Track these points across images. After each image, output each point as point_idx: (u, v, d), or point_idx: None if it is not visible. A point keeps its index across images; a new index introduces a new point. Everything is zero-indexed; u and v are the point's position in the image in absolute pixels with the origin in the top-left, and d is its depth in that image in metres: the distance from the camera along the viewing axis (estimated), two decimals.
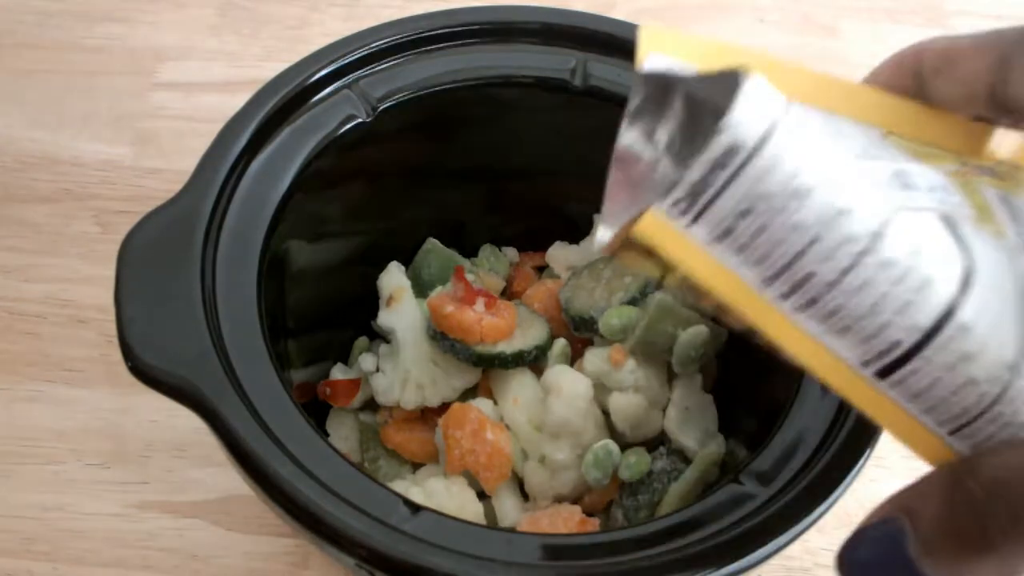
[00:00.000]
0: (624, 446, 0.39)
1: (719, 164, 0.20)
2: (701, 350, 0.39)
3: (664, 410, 0.39)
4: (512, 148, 0.43)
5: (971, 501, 0.19)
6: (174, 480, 0.43)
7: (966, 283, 0.20)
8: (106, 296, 0.32)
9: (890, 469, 0.44)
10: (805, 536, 0.29)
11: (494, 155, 0.43)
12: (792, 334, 0.21)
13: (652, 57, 0.22)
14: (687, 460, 0.38)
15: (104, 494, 0.43)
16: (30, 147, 0.54)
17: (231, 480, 0.42)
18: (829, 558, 0.42)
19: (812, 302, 0.21)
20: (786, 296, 0.21)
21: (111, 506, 0.42)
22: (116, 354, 0.30)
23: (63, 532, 0.41)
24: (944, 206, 0.21)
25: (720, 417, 0.40)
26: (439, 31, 0.40)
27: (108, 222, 0.51)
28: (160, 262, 0.32)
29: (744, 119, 0.20)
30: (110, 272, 0.32)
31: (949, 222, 0.21)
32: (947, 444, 0.21)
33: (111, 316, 0.31)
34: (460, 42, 0.40)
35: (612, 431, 0.39)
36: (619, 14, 0.42)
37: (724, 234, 0.21)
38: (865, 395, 0.21)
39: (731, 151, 0.20)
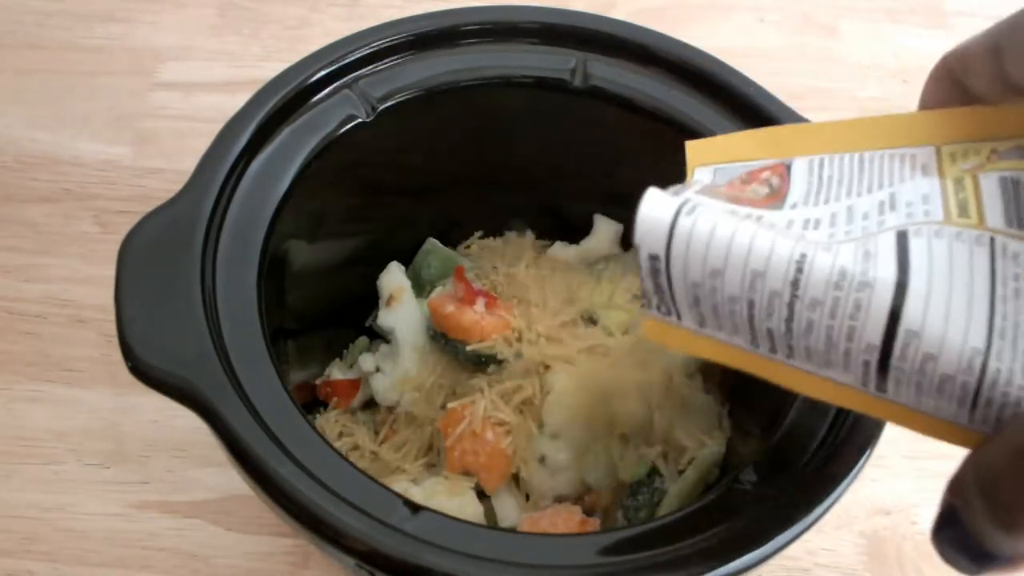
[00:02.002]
0: (624, 446, 0.39)
1: (652, 272, 0.24)
2: None
3: (664, 410, 0.39)
4: (512, 148, 0.43)
5: (972, 493, 0.21)
6: (174, 480, 0.43)
7: (901, 290, 0.21)
8: (106, 296, 0.32)
9: (890, 469, 0.44)
10: (805, 536, 0.29)
11: (494, 155, 0.43)
12: (800, 378, 0.24)
13: (698, 170, 0.26)
14: (687, 460, 0.38)
15: (104, 494, 0.43)
16: (30, 147, 0.54)
17: (231, 480, 0.42)
18: (829, 558, 0.42)
19: (791, 350, 0.23)
20: (773, 351, 0.24)
21: (111, 506, 0.42)
22: (116, 354, 0.30)
23: (63, 532, 0.41)
24: (908, 220, 0.23)
25: (721, 417, 0.40)
26: (439, 31, 0.40)
27: (108, 222, 0.51)
28: (160, 262, 0.32)
29: (644, 235, 0.24)
30: (110, 272, 0.32)
31: (900, 236, 0.22)
32: (972, 429, 0.22)
33: (111, 316, 0.31)
34: (460, 42, 0.40)
35: (612, 431, 0.39)
36: (619, 14, 0.42)
37: (700, 319, 0.25)
38: (881, 408, 0.23)
39: (652, 260, 0.24)
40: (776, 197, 0.25)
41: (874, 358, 0.22)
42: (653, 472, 0.38)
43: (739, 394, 0.40)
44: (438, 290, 0.41)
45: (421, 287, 0.43)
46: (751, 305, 0.23)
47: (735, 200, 0.25)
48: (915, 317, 0.21)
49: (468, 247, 0.46)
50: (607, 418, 0.39)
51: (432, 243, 0.44)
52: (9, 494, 0.42)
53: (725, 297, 0.23)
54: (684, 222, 0.23)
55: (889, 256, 0.22)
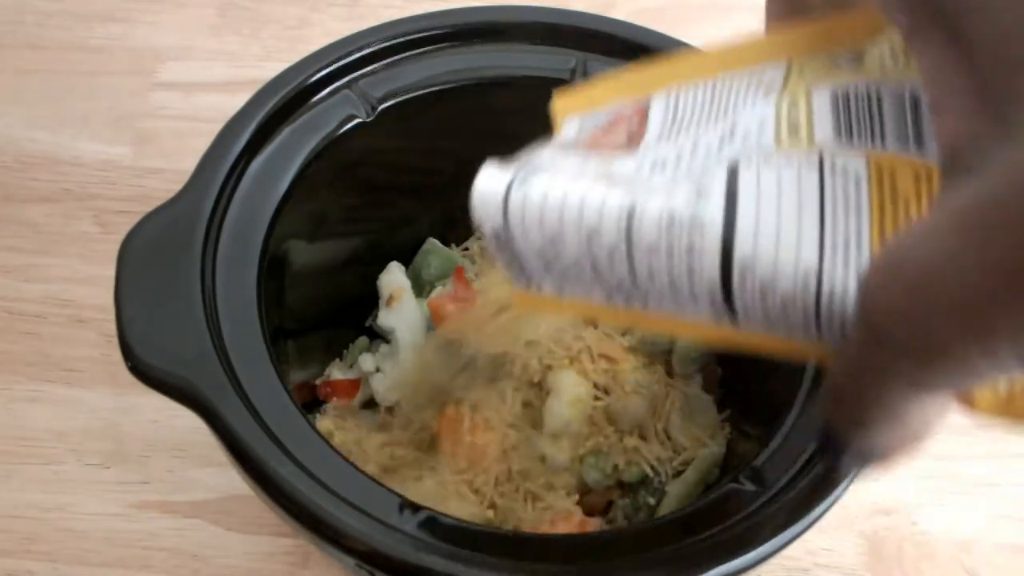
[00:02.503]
0: (624, 446, 0.39)
1: (499, 247, 0.25)
2: (701, 350, 0.39)
3: (664, 410, 0.39)
4: (512, 148, 0.43)
5: (829, 403, 0.22)
6: (174, 480, 0.43)
7: (730, 225, 0.21)
8: (106, 296, 0.32)
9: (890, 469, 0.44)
10: (805, 536, 0.29)
11: (494, 155, 0.43)
12: (663, 323, 0.24)
13: (565, 123, 0.27)
14: (687, 460, 0.38)
15: (104, 494, 0.43)
16: (30, 147, 0.54)
17: (231, 480, 0.42)
18: (829, 558, 0.42)
19: (644, 298, 0.24)
20: (629, 301, 0.24)
21: (111, 506, 0.42)
22: (116, 354, 0.30)
23: (63, 532, 0.41)
24: (742, 150, 0.23)
25: (721, 417, 0.40)
26: (439, 31, 0.40)
27: (108, 222, 0.51)
28: (160, 262, 0.32)
29: (481, 211, 0.24)
30: (110, 272, 0.32)
31: (731, 170, 0.23)
32: (828, 347, 0.22)
33: (111, 316, 0.31)
34: (460, 42, 0.40)
35: (612, 431, 0.39)
36: (619, 14, 0.42)
37: (557, 285, 0.25)
38: (741, 339, 0.23)
39: (495, 234, 0.24)
40: (633, 142, 0.25)
41: (717, 295, 0.22)
42: (653, 472, 0.38)
43: (737, 396, 0.40)
44: (438, 290, 0.41)
45: (421, 287, 0.43)
46: (595, 262, 0.23)
47: (594, 150, 0.25)
48: (746, 250, 0.21)
49: (467, 248, 0.46)
50: (607, 418, 0.39)
51: (432, 243, 0.44)
52: (9, 494, 0.42)
53: (570, 261, 0.24)
54: (516, 194, 0.24)
55: (719, 192, 0.22)
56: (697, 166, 0.23)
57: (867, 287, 0.19)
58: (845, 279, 0.21)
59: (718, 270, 0.22)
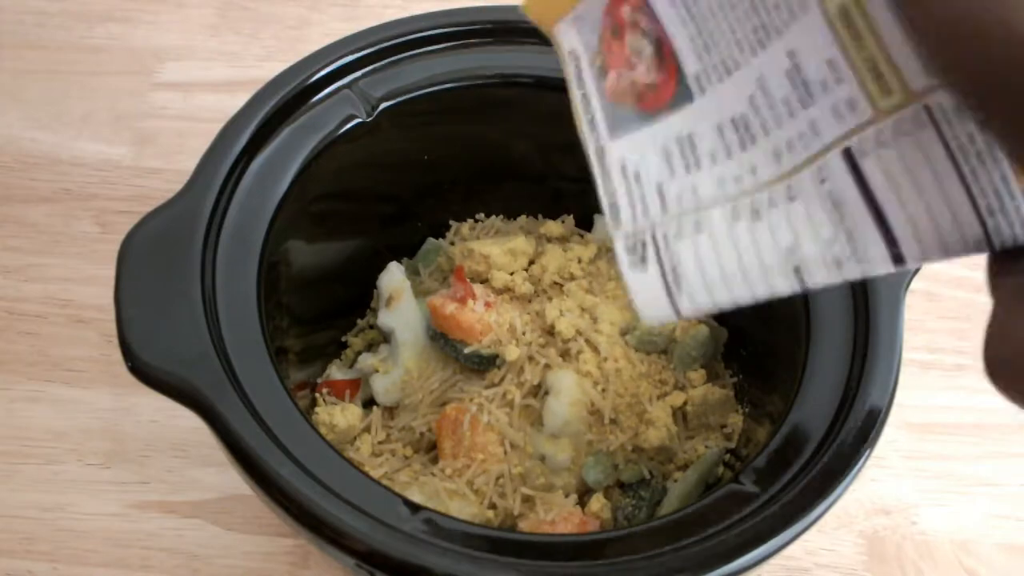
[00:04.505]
0: (624, 447, 0.39)
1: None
2: (701, 349, 0.39)
3: (666, 408, 0.39)
4: (512, 148, 0.43)
5: None
6: (174, 480, 0.43)
7: (890, 239, 0.20)
8: (106, 296, 0.32)
9: (890, 469, 0.44)
10: (805, 536, 0.29)
11: (494, 155, 0.43)
12: None
13: (561, 31, 0.26)
14: (688, 460, 0.38)
15: (104, 494, 0.43)
16: (30, 147, 0.54)
17: (231, 480, 0.42)
18: (829, 558, 0.42)
19: None
20: None
21: (111, 506, 0.42)
22: (116, 354, 0.30)
23: (63, 532, 0.41)
24: (839, 124, 0.22)
25: (721, 416, 0.40)
26: (439, 31, 0.40)
27: (108, 222, 0.51)
28: (160, 262, 0.32)
29: (652, 316, 0.25)
30: (110, 272, 0.32)
31: (851, 162, 0.21)
32: None
33: (111, 316, 0.31)
34: (460, 42, 0.40)
35: (612, 431, 0.39)
36: None
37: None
38: None
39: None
40: (669, 75, 0.23)
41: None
42: (653, 472, 0.38)
43: (740, 395, 0.40)
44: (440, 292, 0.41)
45: (421, 287, 0.42)
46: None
47: (637, 99, 0.24)
48: (913, 249, 0.20)
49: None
50: (606, 418, 0.39)
51: (432, 243, 0.44)
52: (9, 494, 0.42)
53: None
54: (683, 300, 0.24)
55: (858, 204, 0.20)
56: (793, 134, 0.21)
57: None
58: (1013, 230, 0.19)
59: (894, 266, 0.21)
